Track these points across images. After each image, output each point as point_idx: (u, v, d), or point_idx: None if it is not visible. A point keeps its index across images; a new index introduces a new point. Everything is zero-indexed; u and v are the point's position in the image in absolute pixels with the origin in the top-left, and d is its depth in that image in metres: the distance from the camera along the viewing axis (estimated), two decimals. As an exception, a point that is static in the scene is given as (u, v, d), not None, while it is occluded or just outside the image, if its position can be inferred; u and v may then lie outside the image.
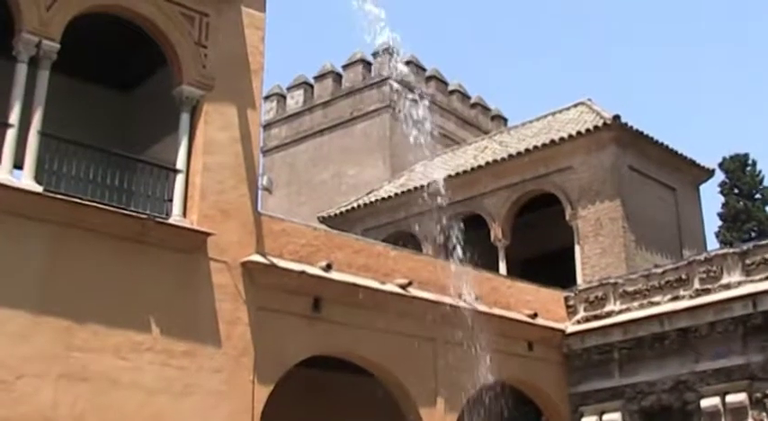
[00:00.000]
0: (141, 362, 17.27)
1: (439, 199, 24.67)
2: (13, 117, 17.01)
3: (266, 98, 45.19)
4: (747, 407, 22.31)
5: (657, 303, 24.49)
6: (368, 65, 44.42)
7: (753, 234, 46.68)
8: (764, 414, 22.10)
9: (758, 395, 22.21)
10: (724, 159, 50.55)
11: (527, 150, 30.92)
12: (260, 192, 21.69)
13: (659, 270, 25.17)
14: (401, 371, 21.78)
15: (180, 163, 19.07)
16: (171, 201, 18.82)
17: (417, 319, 21.94)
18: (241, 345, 18.78)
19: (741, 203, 50.01)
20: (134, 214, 17.80)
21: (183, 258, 18.34)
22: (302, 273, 19.97)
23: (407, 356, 21.84)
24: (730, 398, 22.49)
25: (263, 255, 19.54)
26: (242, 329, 18.88)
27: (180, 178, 18.97)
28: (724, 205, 50.27)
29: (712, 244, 39.99)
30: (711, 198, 71.82)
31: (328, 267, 20.53)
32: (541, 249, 31.17)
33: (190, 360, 17.92)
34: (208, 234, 18.60)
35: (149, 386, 17.26)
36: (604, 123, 29.53)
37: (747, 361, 22.57)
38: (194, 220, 18.70)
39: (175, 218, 18.58)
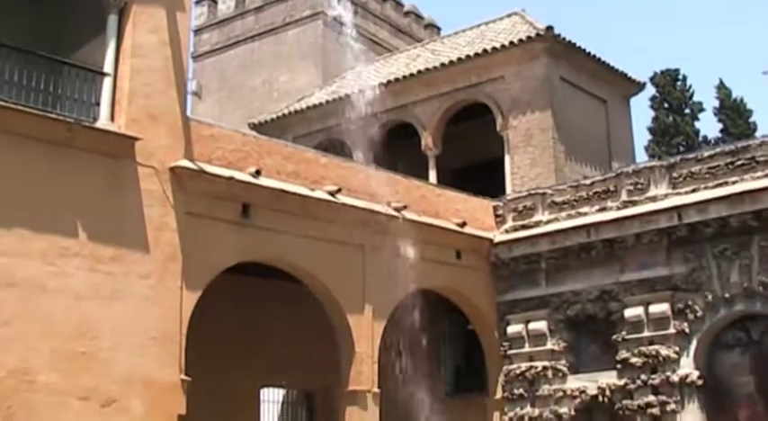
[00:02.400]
0: (68, 267, 17.13)
1: (370, 106, 24.64)
2: (-65, 18, 16.62)
3: (197, 2, 44.44)
4: (670, 318, 22.74)
5: (585, 214, 24.73)
6: (301, -30, 43.78)
7: (681, 148, 47.11)
8: (686, 324, 22.53)
9: (680, 305, 22.63)
10: (655, 74, 50.80)
11: (459, 59, 30.81)
12: (189, 96, 21.48)
13: (588, 181, 25.40)
14: (329, 278, 21.85)
15: (107, 66, 18.71)
16: (98, 104, 18.49)
17: (346, 226, 22.00)
18: (169, 251, 18.69)
19: (670, 118, 50.41)
20: (60, 118, 17.50)
21: (110, 163, 18.11)
22: (231, 178, 19.84)
23: (336, 263, 21.91)
24: (653, 309, 22.89)
25: (192, 160, 19.35)
26: (170, 235, 18.76)
27: (107, 82, 18.62)
28: (654, 119, 50.63)
29: (641, 157, 40.39)
30: (641, 112, 72.54)
31: (257, 173, 20.41)
32: (472, 159, 31.24)
33: (117, 265, 17.81)
34: (135, 138, 18.36)
35: (77, 291, 17.16)
36: (537, 34, 29.46)
37: (671, 272, 22.96)
38: (122, 125, 18.43)
39: (103, 122, 18.30)
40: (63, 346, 16.80)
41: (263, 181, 20.50)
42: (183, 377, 18.54)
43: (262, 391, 27.18)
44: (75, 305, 17.10)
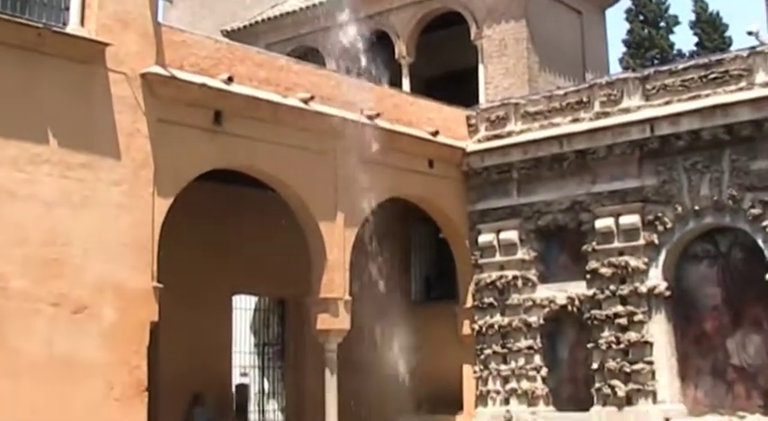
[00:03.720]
0: (39, 174, 16.98)
1: (343, 14, 24.41)
2: None
3: None
4: (639, 229, 22.89)
5: (558, 125, 24.72)
6: None
7: (655, 61, 47.02)
8: (655, 235, 22.70)
9: (650, 217, 22.78)
10: (631, -14, 50.58)
11: (435, -33, 30.57)
12: (161, 2, 21.19)
13: (561, 92, 25.35)
14: (302, 186, 21.84)
15: (77, -29, 18.43)
16: (68, 9, 18.12)
17: (319, 134, 21.93)
18: (140, 158, 18.56)
19: (645, 31, 50.24)
20: (30, 23, 17.18)
21: (80, 69, 17.86)
22: (203, 85, 19.65)
23: (308, 171, 21.87)
24: (623, 220, 23.03)
25: (164, 66, 19.12)
26: (141, 141, 18.62)
27: (77, -14, 18.36)
28: (629, 32, 50.48)
29: (615, 70, 40.33)
30: (617, 25, 72.22)
31: (229, 80, 20.21)
32: (446, 68, 31.15)
33: (88, 172, 17.68)
34: (106, 44, 18.08)
35: (47, 198, 17.04)
36: (513, -58, 29.21)
37: (642, 184, 23.05)
38: (92, 30, 18.13)
39: (73, 27, 17.98)
40: (34, 253, 16.76)
41: (235, 88, 20.33)
42: (156, 284, 18.55)
43: (234, 298, 27.33)
44: (47, 212, 17.02)
